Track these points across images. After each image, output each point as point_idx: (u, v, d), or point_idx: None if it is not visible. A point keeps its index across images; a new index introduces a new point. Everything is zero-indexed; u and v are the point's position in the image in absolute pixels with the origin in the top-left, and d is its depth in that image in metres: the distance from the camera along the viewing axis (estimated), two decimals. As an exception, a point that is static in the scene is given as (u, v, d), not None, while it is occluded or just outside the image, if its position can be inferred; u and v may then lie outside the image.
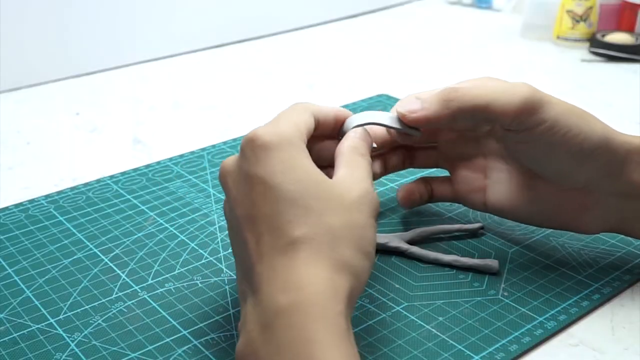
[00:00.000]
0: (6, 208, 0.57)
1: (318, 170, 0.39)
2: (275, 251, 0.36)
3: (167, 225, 0.55)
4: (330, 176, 0.40)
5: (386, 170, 0.52)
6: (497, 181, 0.49)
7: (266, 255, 0.37)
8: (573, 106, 0.45)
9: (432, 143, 0.52)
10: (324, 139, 0.46)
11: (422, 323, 0.44)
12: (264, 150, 0.38)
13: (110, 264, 0.50)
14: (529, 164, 0.47)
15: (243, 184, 0.39)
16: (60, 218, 0.56)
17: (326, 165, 0.44)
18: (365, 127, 0.45)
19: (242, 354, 0.36)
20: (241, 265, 0.39)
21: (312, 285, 0.35)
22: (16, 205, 0.58)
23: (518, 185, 0.48)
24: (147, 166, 0.64)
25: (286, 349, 0.33)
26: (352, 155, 0.42)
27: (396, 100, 0.78)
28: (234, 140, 0.69)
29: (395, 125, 0.46)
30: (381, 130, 0.50)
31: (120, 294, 0.47)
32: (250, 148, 0.39)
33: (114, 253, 0.51)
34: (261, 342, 0.34)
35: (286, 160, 0.38)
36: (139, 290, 0.47)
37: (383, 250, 0.50)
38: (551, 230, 0.53)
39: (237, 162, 0.40)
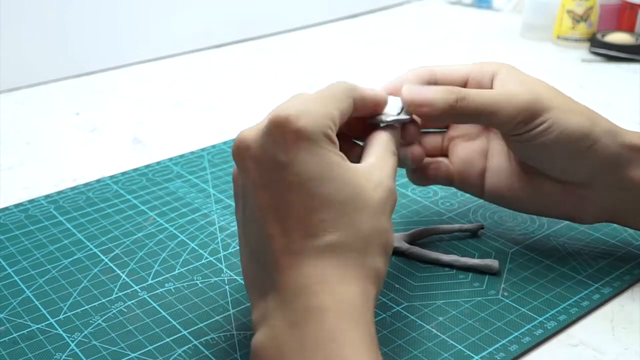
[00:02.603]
0: (6, 208, 0.57)
1: (349, 165, 0.37)
2: (307, 251, 0.35)
3: (167, 225, 0.55)
4: (353, 154, 0.39)
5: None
6: (497, 167, 0.49)
7: (296, 253, 0.36)
8: (575, 105, 0.45)
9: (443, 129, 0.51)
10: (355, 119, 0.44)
11: (422, 323, 0.44)
12: (297, 138, 0.35)
13: (110, 264, 0.50)
14: (527, 160, 0.47)
15: (270, 169, 0.36)
16: (60, 218, 0.56)
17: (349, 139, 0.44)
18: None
19: (262, 347, 0.35)
20: (257, 253, 0.38)
21: (345, 292, 0.35)
22: (16, 205, 0.58)
23: (518, 174, 0.48)
24: (147, 166, 0.64)
25: (317, 348, 0.33)
26: (385, 151, 0.41)
27: (396, 100, 0.78)
28: (234, 140, 0.69)
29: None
30: None
31: (120, 294, 0.47)
32: (280, 131, 0.36)
33: (114, 253, 0.51)
34: (288, 339, 0.34)
35: (321, 155, 0.36)
36: (139, 290, 0.47)
37: None
38: (551, 230, 0.53)
39: (261, 141, 0.37)
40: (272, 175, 0.36)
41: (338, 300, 0.34)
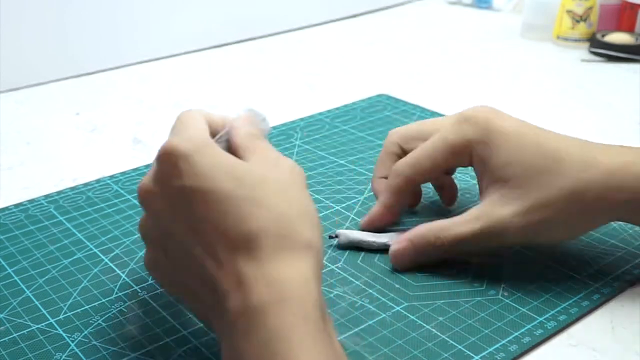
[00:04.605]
0: (6, 208, 0.57)
1: (240, 160, 0.38)
2: (234, 253, 0.35)
3: (167, 225, 0.55)
4: None
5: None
6: None
7: (225, 261, 0.35)
8: (563, 206, 0.45)
9: None
10: None
11: (422, 323, 0.44)
12: (184, 160, 0.37)
13: (110, 264, 0.50)
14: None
15: (176, 200, 0.37)
16: (60, 218, 0.56)
17: None
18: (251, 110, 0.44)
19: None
20: (194, 284, 0.38)
21: (281, 281, 0.34)
22: (16, 205, 0.58)
23: None
24: (147, 166, 0.64)
25: (265, 349, 0.32)
26: (253, 141, 0.41)
27: (396, 100, 0.78)
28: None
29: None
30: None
31: (120, 294, 0.47)
32: (169, 162, 0.37)
33: (114, 253, 0.51)
34: (237, 345, 0.33)
35: (210, 162, 0.37)
36: (139, 290, 0.47)
37: (385, 250, 0.50)
38: (551, 230, 0.53)
39: (157, 181, 0.38)
40: (180, 204, 0.37)
41: (277, 292, 0.34)
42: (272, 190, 0.37)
